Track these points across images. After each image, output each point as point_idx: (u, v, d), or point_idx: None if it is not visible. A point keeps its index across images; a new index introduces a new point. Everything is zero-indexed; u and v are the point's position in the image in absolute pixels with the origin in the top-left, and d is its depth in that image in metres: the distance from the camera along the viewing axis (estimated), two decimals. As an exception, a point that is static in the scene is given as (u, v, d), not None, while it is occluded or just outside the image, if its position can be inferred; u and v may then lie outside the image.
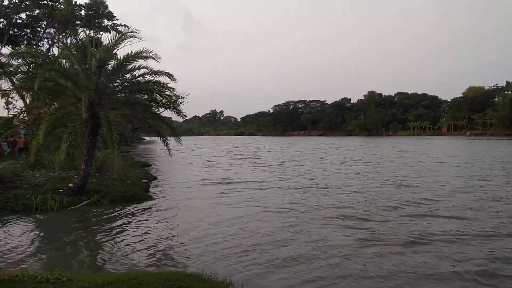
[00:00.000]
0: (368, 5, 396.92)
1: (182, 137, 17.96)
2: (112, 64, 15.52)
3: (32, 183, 15.84)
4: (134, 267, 7.77)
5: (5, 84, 27.94)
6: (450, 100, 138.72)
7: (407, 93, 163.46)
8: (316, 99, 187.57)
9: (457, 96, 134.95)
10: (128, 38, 15.65)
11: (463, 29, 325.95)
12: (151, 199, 15.61)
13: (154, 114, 16.73)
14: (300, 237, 9.73)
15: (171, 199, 15.78)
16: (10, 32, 28.89)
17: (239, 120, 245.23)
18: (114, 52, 16.36)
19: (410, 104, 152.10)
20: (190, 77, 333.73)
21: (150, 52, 15.20)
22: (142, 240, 9.74)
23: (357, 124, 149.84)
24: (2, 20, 27.12)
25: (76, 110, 13.59)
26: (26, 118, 16.70)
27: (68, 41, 34.47)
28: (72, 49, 15.98)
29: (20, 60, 17.16)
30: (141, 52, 15.11)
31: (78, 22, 37.19)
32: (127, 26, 40.05)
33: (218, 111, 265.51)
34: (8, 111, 36.14)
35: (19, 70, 17.23)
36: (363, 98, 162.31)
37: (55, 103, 15.61)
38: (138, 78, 16.31)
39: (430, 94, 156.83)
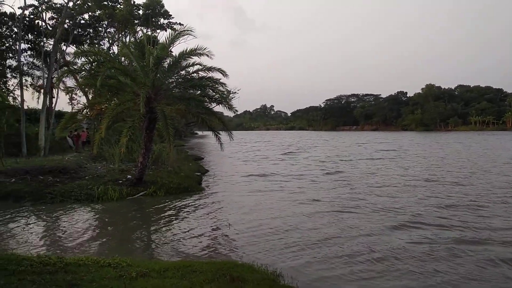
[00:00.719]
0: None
1: (233, 132, 18.31)
2: (168, 61, 16.06)
3: (94, 174, 16.83)
4: (187, 255, 8.11)
5: (70, 81, 29.87)
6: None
7: (468, 86, 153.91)
8: (370, 92, 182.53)
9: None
10: (183, 36, 16.11)
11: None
12: (203, 191, 16.11)
13: (207, 109, 17.15)
14: (347, 233, 9.64)
15: (222, 191, 16.17)
16: (74, 32, 30.69)
17: (289, 114, 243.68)
18: (169, 49, 16.91)
19: (472, 97, 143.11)
20: (241, 72, 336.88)
21: (204, 49, 15.56)
22: (194, 230, 10.12)
23: (413, 118, 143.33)
24: (67, 21, 28.86)
25: (135, 105, 14.26)
26: (88, 113, 17.78)
27: (127, 39, 36.14)
28: (131, 47, 16.74)
29: (83, 59, 18.30)
30: (195, 50, 15.50)
31: (136, 21, 38.80)
32: (182, 24, 41.26)
33: (268, 105, 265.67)
34: (72, 107, 38.68)
35: (83, 68, 18.39)
36: (420, 92, 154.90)
37: (115, 99, 16.43)
38: (192, 74, 16.77)
39: (494, 87, 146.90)
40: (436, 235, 9.33)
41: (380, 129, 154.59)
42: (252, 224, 10.63)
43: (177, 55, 16.05)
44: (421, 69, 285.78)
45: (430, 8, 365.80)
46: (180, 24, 41.49)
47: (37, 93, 32.58)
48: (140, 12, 40.06)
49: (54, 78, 27.21)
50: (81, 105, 18.22)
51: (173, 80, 16.89)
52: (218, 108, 19.75)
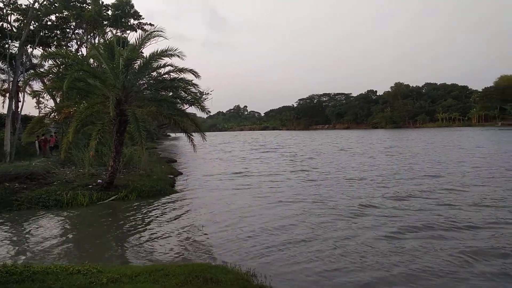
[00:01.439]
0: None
1: (206, 133, 18.23)
2: (138, 63, 15.86)
3: (63, 179, 16.43)
4: (160, 258, 8.04)
5: (37, 85, 28.92)
6: (480, 90, 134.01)
7: (435, 83, 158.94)
8: (341, 92, 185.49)
9: (488, 86, 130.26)
10: (153, 37, 15.91)
11: (494, 15, 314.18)
12: (176, 193, 15.97)
13: (179, 111, 17.01)
14: (315, 231, 9.82)
15: (195, 193, 16.08)
16: (41, 34, 29.74)
17: (262, 114, 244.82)
18: (140, 50, 16.69)
19: (438, 95, 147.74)
20: (214, 73, 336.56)
21: (175, 50, 15.48)
22: (167, 233, 10.03)
23: (383, 116, 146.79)
24: (33, 22, 27.94)
25: (104, 108, 13.99)
26: (56, 117, 17.30)
27: (96, 41, 35.36)
28: (100, 49, 16.42)
29: (50, 61, 17.80)
30: (166, 51, 15.37)
31: (105, 22, 38.01)
32: (153, 25, 40.82)
33: (241, 106, 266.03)
34: (40, 111, 37.48)
35: (50, 71, 17.88)
36: (389, 90, 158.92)
37: (84, 102, 16.07)
38: (164, 76, 16.62)
39: (459, 85, 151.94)
40: (398, 228, 9.68)
41: (351, 127, 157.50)
42: (225, 225, 10.66)
43: (148, 56, 15.89)
44: (391, 68, 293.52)
45: (397, 7, 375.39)
46: (151, 24, 41.06)
47: (2, 97, 31.44)
48: (109, 12, 39.28)
49: (20, 82, 26.30)
50: (49, 109, 17.70)
51: (144, 81, 16.70)
52: (191, 109, 19.68)
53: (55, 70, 18.12)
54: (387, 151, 35.63)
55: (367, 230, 9.79)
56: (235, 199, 14.55)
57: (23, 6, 28.59)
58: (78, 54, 30.36)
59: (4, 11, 28.30)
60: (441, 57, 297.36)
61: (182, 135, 18.18)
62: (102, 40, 22.20)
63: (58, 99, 25.07)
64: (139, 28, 40.82)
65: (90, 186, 15.31)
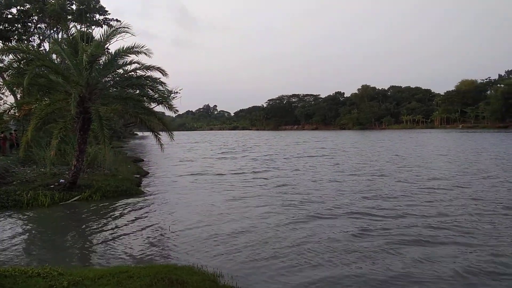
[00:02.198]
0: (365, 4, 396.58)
1: (175, 132, 18.00)
2: (103, 59, 15.45)
3: (23, 179, 15.79)
4: (124, 260, 7.84)
5: (-4, 80, 27.64)
6: (443, 94, 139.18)
7: (400, 86, 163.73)
8: (310, 93, 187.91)
9: (450, 90, 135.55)
10: (120, 33, 15.55)
11: (455, 23, 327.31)
12: (142, 193, 15.67)
13: (146, 109, 16.69)
14: (280, 231, 9.89)
15: (162, 193, 15.83)
16: (1, 27, 28.48)
17: (232, 114, 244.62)
18: (105, 47, 16.30)
19: (403, 97, 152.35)
20: (184, 72, 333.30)
21: (142, 47, 15.16)
22: (132, 234, 9.83)
23: (350, 118, 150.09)
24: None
25: (67, 105, 13.50)
26: (16, 114, 16.59)
27: (59, 36, 34.19)
28: (63, 44, 15.90)
29: (11, 56, 17.06)
30: (132, 47, 15.05)
31: (69, 17, 36.79)
32: (119, 21, 39.69)
33: (211, 105, 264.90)
34: (-1, 107, 35.84)
35: (10, 66, 17.13)
36: (356, 92, 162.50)
37: (46, 98, 15.50)
38: (130, 73, 16.26)
39: (423, 88, 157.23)
40: (360, 226, 9.91)
41: (320, 128, 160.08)
42: (191, 225, 10.54)
43: (113, 52, 15.50)
44: (358, 71, 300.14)
45: (366, 12, 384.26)
46: (117, 20, 40.06)
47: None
48: (74, 7, 38.08)
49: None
50: (8, 105, 16.92)
51: (109, 79, 16.27)
52: (158, 108, 19.38)
53: (15, 65, 17.37)
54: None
55: (325, 229, 9.98)
56: (202, 198, 14.47)
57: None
58: (41, 49, 29.28)
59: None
60: (406, 61, 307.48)
61: (149, 134, 17.85)
62: (65, 35, 21.52)
63: (18, 95, 24.12)
64: (105, 24, 39.78)
65: (52, 186, 14.76)
